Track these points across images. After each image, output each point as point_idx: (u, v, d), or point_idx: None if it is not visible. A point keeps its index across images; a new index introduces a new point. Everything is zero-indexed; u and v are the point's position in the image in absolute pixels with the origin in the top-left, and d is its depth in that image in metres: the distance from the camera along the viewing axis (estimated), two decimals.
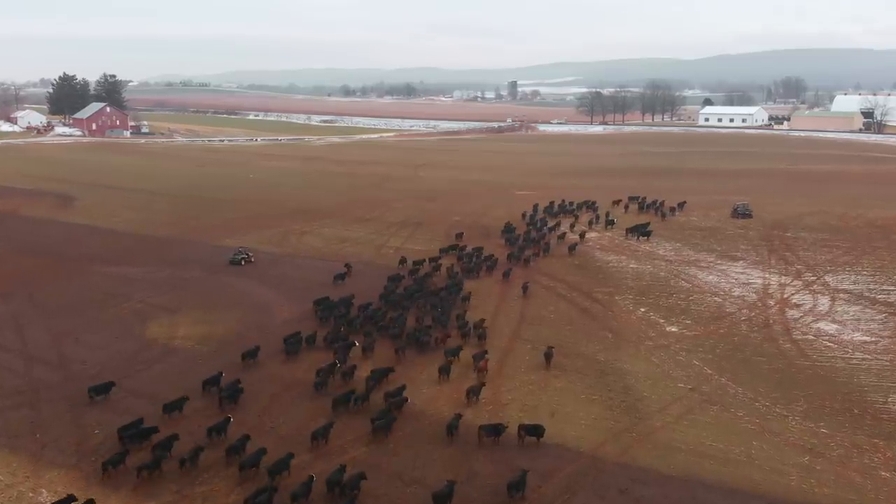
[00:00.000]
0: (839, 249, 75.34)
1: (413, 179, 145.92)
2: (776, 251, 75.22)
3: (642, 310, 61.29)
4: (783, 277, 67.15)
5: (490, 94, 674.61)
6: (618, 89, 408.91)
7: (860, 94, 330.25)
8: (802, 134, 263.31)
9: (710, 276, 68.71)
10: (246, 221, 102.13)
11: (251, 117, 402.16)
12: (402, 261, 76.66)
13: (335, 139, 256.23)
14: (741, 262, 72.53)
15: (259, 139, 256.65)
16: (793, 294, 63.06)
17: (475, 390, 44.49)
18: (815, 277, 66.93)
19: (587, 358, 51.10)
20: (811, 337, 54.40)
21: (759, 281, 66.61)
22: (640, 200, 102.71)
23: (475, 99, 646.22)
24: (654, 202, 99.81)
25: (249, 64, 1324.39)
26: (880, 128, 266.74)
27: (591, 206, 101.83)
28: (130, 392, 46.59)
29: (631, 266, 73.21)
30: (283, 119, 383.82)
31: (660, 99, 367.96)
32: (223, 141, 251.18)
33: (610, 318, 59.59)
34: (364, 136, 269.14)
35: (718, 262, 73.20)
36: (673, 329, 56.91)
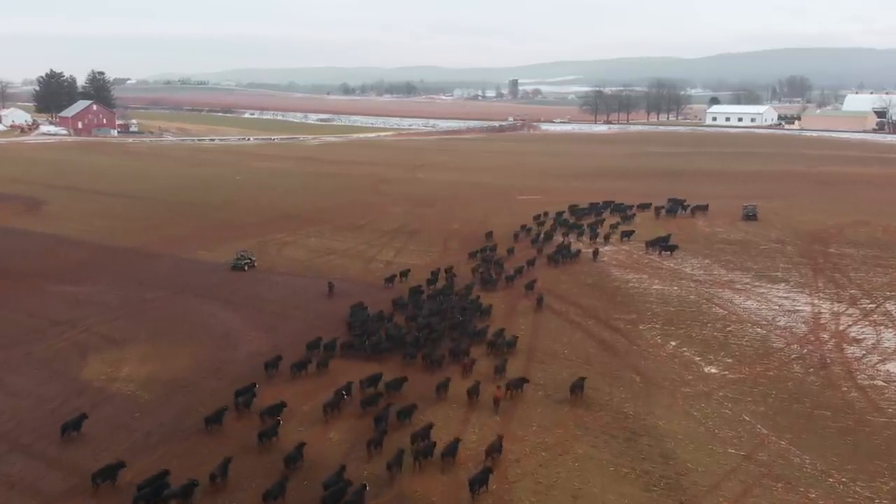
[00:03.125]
0: None
1: (410, 182, 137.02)
2: (822, 271, 65.68)
3: (672, 344, 52.02)
4: (835, 304, 57.57)
5: (491, 93, 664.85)
6: (621, 88, 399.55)
7: (871, 94, 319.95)
8: (814, 134, 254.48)
9: (749, 302, 59.26)
10: (225, 229, 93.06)
11: (247, 116, 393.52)
12: (404, 274, 68.56)
13: (331, 138, 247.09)
14: (783, 283, 62.92)
15: (252, 138, 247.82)
16: (850, 325, 53.63)
17: (495, 447, 36.32)
18: (873, 305, 57.42)
19: (613, 411, 41.82)
20: (880, 382, 45.10)
21: (808, 308, 57.15)
22: (670, 206, 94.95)
23: (476, 98, 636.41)
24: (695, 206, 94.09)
25: (249, 62, 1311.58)
26: (895, 128, 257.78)
27: (644, 207, 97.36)
28: (43, 458, 37.32)
29: (654, 287, 63.87)
30: (280, 118, 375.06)
31: (664, 98, 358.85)
32: (214, 140, 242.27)
33: (636, 354, 50.31)
34: (361, 136, 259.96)
35: (756, 283, 63.62)
36: (712, 370, 47.63)
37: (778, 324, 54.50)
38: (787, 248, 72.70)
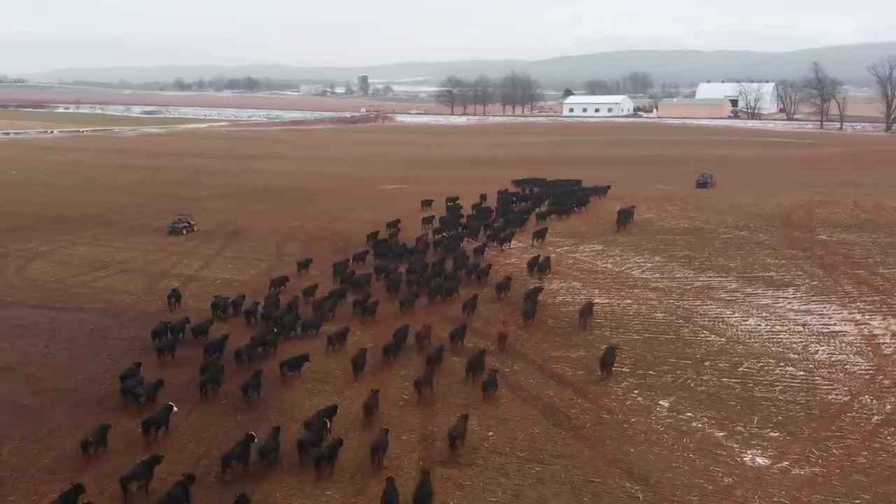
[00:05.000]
0: None
1: (240, 173, 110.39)
2: (835, 267, 45.33)
3: (665, 405, 29.99)
4: (889, 318, 37.61)
5: (340, 90, 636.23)
6: (474, 86, 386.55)
7: (722, 83, 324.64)
8: (676, 122, 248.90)
9: (751, 320, 38.31)
10: None
11: (61, 110, 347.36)
12: (219, 306, 42.08)
13: (153, 129, 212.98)
14: (790, 289, 42.29)
15: (56, 131, 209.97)
16: None
17: None
18: None
19: None
20: None
21: (850, 327, 36.68)
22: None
23: (324, 93, 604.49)
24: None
25: (80, 62, 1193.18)
26: (754, 114, 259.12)
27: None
28: None
29: (598, 301, 41.94)
30: (98, 111, 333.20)
31: (520, 92, 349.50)
32: (8, 134, 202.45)
33: (613, 431, 27.80)
34: (190, 126, 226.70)
35: (748, 289, 42.66)
36: (759, 459, 25.89)
37: (816, 357, 33.75)
38: (759, 237, 52.61)
